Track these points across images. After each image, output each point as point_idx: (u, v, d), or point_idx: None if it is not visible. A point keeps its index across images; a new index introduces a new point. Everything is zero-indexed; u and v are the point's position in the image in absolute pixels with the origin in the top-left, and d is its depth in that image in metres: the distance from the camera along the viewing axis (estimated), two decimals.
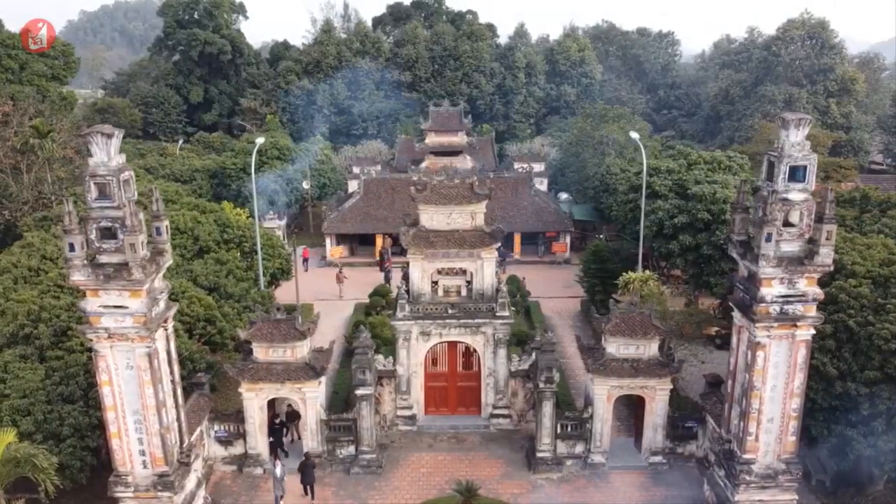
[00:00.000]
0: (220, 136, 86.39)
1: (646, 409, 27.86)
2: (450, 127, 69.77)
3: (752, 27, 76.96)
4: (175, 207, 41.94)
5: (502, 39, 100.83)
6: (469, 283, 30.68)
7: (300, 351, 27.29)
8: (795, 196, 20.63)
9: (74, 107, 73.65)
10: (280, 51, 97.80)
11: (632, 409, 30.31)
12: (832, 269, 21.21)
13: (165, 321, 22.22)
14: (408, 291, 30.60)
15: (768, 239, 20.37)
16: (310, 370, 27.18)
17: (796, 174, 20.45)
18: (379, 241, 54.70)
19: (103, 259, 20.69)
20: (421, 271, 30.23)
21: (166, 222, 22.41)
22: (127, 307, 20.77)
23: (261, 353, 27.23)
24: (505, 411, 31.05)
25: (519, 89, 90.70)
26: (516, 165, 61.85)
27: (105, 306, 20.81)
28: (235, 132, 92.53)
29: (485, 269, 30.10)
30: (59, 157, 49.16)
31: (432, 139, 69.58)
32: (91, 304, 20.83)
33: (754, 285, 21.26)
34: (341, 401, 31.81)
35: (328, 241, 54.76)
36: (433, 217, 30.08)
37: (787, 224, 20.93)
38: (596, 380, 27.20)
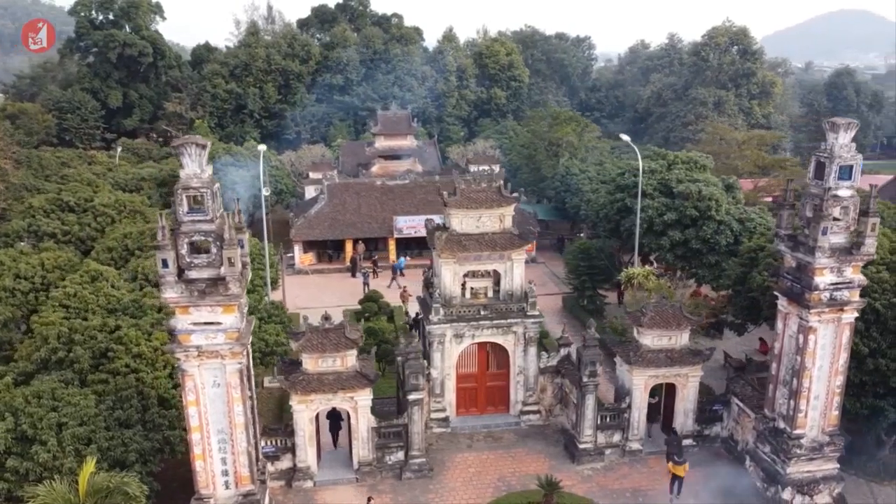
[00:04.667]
0: (144, 142, 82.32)
1: (677, 395, 29.68)
2: (399, 130, 70.14)
3: (672, 33, 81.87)
4: (156, 219, 40.10)
5: (428, 43, 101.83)
6: (497, 284, 31.45)
7: (351, 359, 27.13)
8: (843, 192, 22.83)
9: None
10: (203, 53, 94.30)
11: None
12: (874, 257, 23.62)
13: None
14: (432, 295, 31.02)
15: (824, 232, 22.45)
16: (362, 378, 27.07)
17: (844, 173, 22.63)
18: (349, 246, 54.34)
19: (193, 275, 19.96)
20: (452, 274, 30.70)
21: (247, 235, 21.79)
22: (220, 323, 20.16)
23: (310, 363, 26.82)
24: (535, 407, 32.04)
25: (451, 92, 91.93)
26: (472, 168, 62.90)
27: (196, 323, 20.10)
28: (158, 138, 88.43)
29: (514, 270, 30.96)
30: None
31: (381, 143, 69.68)
32: (181, 321, 20.05)
33: (807, 275, 23.32)
34: None
35: (296, 248, 53.77)
36: (463, 221, 30.60)
37: (833, 218, 23.09)
38: (634, 371, 28.67)
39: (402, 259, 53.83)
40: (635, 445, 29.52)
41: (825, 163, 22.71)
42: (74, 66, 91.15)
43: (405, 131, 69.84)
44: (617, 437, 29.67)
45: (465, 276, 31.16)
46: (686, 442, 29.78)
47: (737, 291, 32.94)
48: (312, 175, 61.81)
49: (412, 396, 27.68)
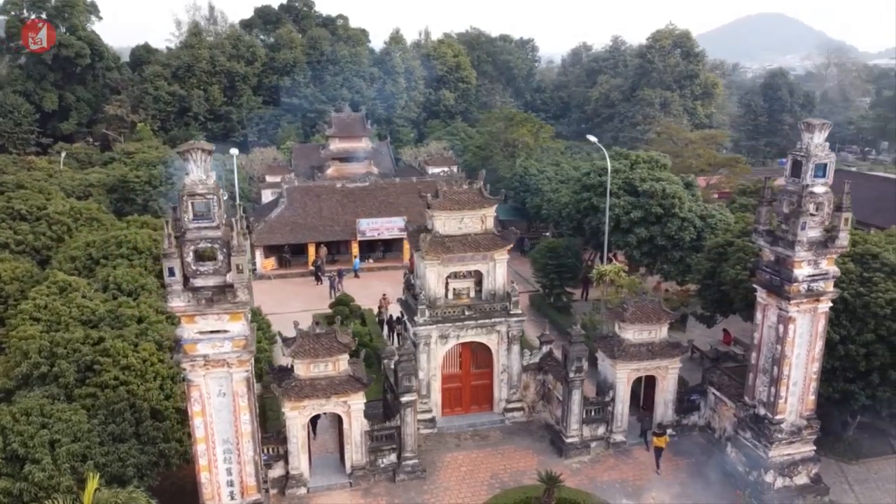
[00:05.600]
0: (84, 146, 79.28)
1: (657, 387, 30.71)
2: (353, 132, 69.83)
3: (615, 36, 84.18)
4: (120, 226, 38.98)
5: (375, 45, 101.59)
6: (478, 284, 31.80)
7: (343, 363, 27.01)
8: (819, 189, 24.14)
9: None
10: (142, 54, 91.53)
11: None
12: (847, 249, 25.05)
13: None
14: (415, 297, 31.17)
15: (803, 227, 23.71)
16: (355, 382, 26.97)
17: (819, 171, 23.94)
18: (311, 250, 53.78)
19: (198, 283, 19.59)
20: (436, 276, 30.88)
21: (249, 240, 21.44)
22: (228, 331, 19.85)
23: (302, 369, 26.55)
24: (518, 405, 32.55)
25: (400, 94, 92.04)
26: (430, 170, 63.27)
27: (203, 332, 19.72)
28: (95, 142, 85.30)
29: (497, 270, 31.35)
30: None
31: (336, 145, 69.25)
32: (187, 331, 19.65)
33: (786, 267, 24.55)
34: None
35: (258, 253, 52.83)
36: (446, 223, 30.80)
37: (809, 214, 24.38)
38: (618, 365, 29.53)
39: (356, 261, 53.71)
40: (619, 437, 30.37)
41: (802, 161, 23.96)
42: (5, 68, 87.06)
43: (360, 133, 69.58)
44: (601, 430, 30.45)
45: (448, 277, 31.40)
46: (667, 432, 30.87)
47: (706, 285, 34.28)
48: (269, 178, 60.95)
49: (405, 398, 27.74)
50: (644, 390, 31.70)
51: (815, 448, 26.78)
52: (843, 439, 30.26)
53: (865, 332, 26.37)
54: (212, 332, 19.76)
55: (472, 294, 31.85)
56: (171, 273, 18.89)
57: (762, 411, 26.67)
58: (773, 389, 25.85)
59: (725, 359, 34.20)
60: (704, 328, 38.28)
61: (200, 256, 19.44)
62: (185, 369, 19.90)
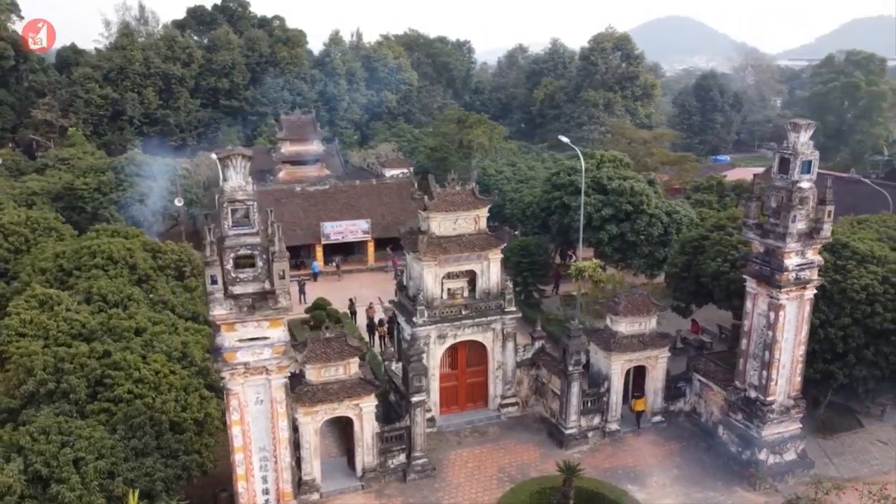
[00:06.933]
0: (10, 152, 75.07)
1: (647, 376, 32.15)
2: (304, 135, 69.22)
3: (554, 38, 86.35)
4: (90, 236, 37.44)
5: (314, 46, 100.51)
6: (471, 284, 32.40)
7: (353, 366, 27.09)
8: (805, 185, 25.96)
9: None
10: (70, 56, 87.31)
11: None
12: (830, 240, 27.04)
13: None
14: (411, 298, 31.55)
15: (794, 220, 25.46)
16: (367, 384, 27.11)
17: (805, 167, 25.77)
18: None
19: (237, 290, 19.39)
20: (433, 276, 31.30)
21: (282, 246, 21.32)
22: (268, 337, 19.74)
23: (314, 374, 26.47)
24: (513, 400, 33.36)
25: (342, 96, 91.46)
26: (388, 172, 63.36)
27: (242, 340, 19.53)
28: (17, 148, 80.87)
29: (491, 269, 32.06)
30: None
31: (287, 148, 68.53)
32: (227, 339, 19.42)
33: (777, 258, 26.28)
34: None
35: None
36: (441, 224, 31.29)
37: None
38: (613, 356, 30.76)
39: (314, 264, 53.41)
40: (614, 426, 31.61)
41: (789, 159, 25.73)
42: None
43: (311, 136, 68.98)
44: (597, 421, 31.59)
45: (443, 277, 31.86)
46: (656, 419, 32.38)
47: (682, 278, 36.01)
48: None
49: (416, 398, 28.05)
50: (633, 380, 33.08)
51: (801, 426, 28.73)
52: (816, 417, 32.47)
53: (843, 317, 28.49)
54: (251, 339, 19.58)
55: (466, 294, 32.44)
56: (214, 281, 18.64)
57: (753, 394, 28.40)
58: (764, 373, 27.58)
59: (697, 347, 36.03)
60: (672, 319, 40.16)
61: (239, 263, 19.24)
62: (224, 378, 19.63)
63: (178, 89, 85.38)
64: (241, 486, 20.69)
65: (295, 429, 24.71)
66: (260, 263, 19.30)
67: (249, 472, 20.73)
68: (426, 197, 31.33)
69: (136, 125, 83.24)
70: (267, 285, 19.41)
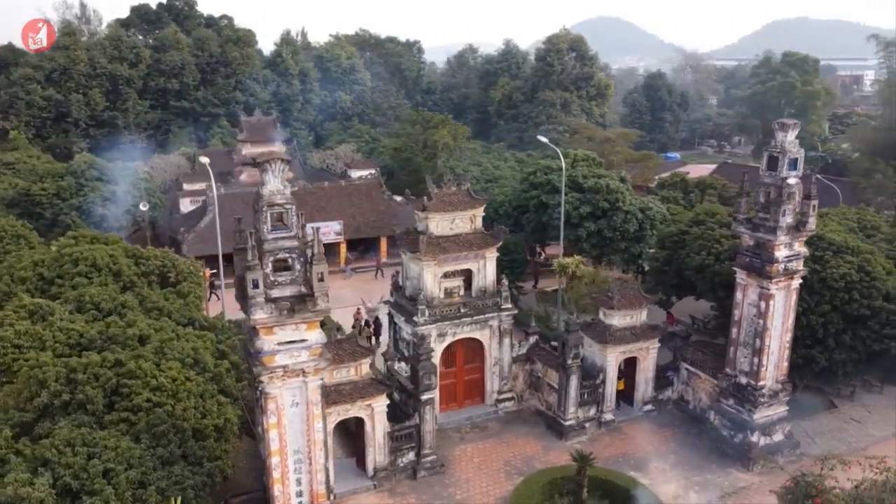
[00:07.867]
0: None
1: (638, 366, 33.42)
2: (265, 137, 68.46)
3: (507, 39, 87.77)
4: (67, 243, 36.24)
5: (264, 46, 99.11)
6: (466, 282, 32.96)
7: (365, 367, 27.32)
8: (792, 181, 27.55)
9: None
10: (7, 55, 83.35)
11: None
12: (815, 233, 28.75)
13: None
14: (409, 298, 31.94)
15: (784, 214, 27.02)
16: (378, 384, 27.37)
17: (792, 164, 27.36)
18: None
19: (275, 293, 19.43)
20: (433, 276, 31.74)
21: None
22: (305, 340, 19.84)
23: (327, 375, 26.45)
24: (509, 394, 34.11)
25: (295, 96, 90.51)
26: (354, 173, 63.24)
27: (281, 343, 19.59)
28: None
29: (487, 267, 32.72)
30: None
31: (248, 150, 67.57)
32: (267, 343, 19.44)
33: (767, 251, 27.81)
34: None
35: None
36: (439, 224, 31.76)
37: None
38: (608, 349, 31.87)
39: None
40: (609, 416, 32.74)
41: (778, 157, 27.29)
42: None
43: (272, 137, 68.14)
44: (593, 411, 32.64)
45: (440, 277, 32.32)
46: (647, 407, 33.71)
47: (664, 272, 37.49)
48: (187, 186, 58.34)
49: (426, 396, 28.44)
50: (625, 370, 34.31)
51: (787, 408, 30.45)
52: (793, 399, 34.38)
53: (822, 304, 30.36)
54: (289, 342, 19.65)
55: (462, 292, 32.99)
56: (255, 285, 18.65)
57: (744, 380, 29.94)
58: (755, 359, 29.13)
59: (683, 337, 37.57)
60: (651, 310, 41.74)
61: (280, 266, 19.30)
62: (262, 382, 19.63)
63: (125, 90, 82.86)
64: (276, 489, 20.70)
65: None
66: (297, 266, 19.38)
67: (285, 475, 20.74)
68: (424, 198, 31.69)
69: (81, 127, 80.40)
70: (303, 288, 19.49)
